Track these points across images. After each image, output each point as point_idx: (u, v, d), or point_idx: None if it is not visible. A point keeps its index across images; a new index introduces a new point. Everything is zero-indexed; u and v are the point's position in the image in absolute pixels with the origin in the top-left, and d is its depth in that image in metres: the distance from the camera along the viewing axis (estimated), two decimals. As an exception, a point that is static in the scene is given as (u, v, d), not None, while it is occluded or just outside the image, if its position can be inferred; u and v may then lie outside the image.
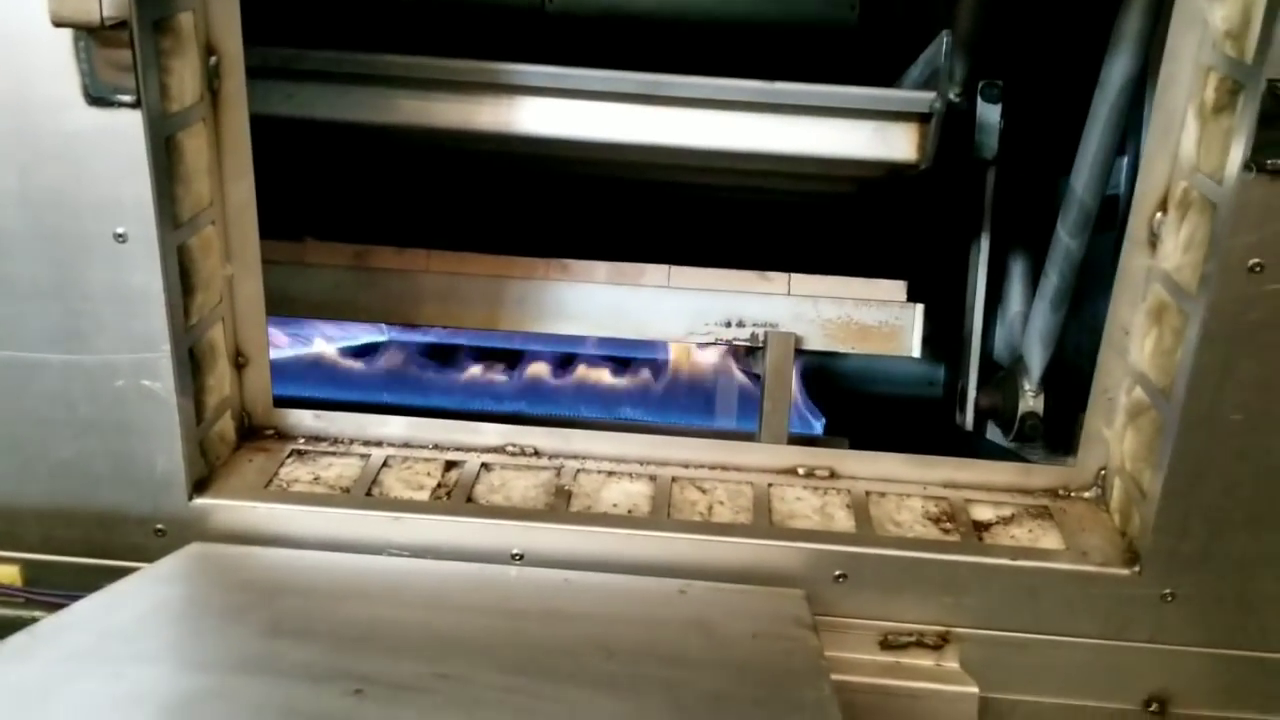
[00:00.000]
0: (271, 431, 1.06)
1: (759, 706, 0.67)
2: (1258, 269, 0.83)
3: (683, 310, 1.34)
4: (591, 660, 0.72)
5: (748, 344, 1.36)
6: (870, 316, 1.34)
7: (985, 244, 1.35)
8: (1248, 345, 0.85)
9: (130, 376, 0.91)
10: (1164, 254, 0.93)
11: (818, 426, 1.48)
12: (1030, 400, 1.25)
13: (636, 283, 1.35)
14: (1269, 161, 0.79)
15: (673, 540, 0.95)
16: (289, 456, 1.03)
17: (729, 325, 1.34)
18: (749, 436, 1.30)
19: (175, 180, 0.90)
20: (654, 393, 1.57)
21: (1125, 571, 0.94)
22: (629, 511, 0.98)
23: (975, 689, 0.92)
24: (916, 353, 1.35)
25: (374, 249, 1.35)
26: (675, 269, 1.36)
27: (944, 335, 1.49)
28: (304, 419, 1.07)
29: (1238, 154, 0.80)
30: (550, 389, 1.55)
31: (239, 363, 1.03)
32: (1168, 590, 0.93)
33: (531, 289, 1.34)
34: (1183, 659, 0.95)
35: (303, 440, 1.06)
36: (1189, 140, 0.89)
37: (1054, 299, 1.19)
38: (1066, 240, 1.15)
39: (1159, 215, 0.94)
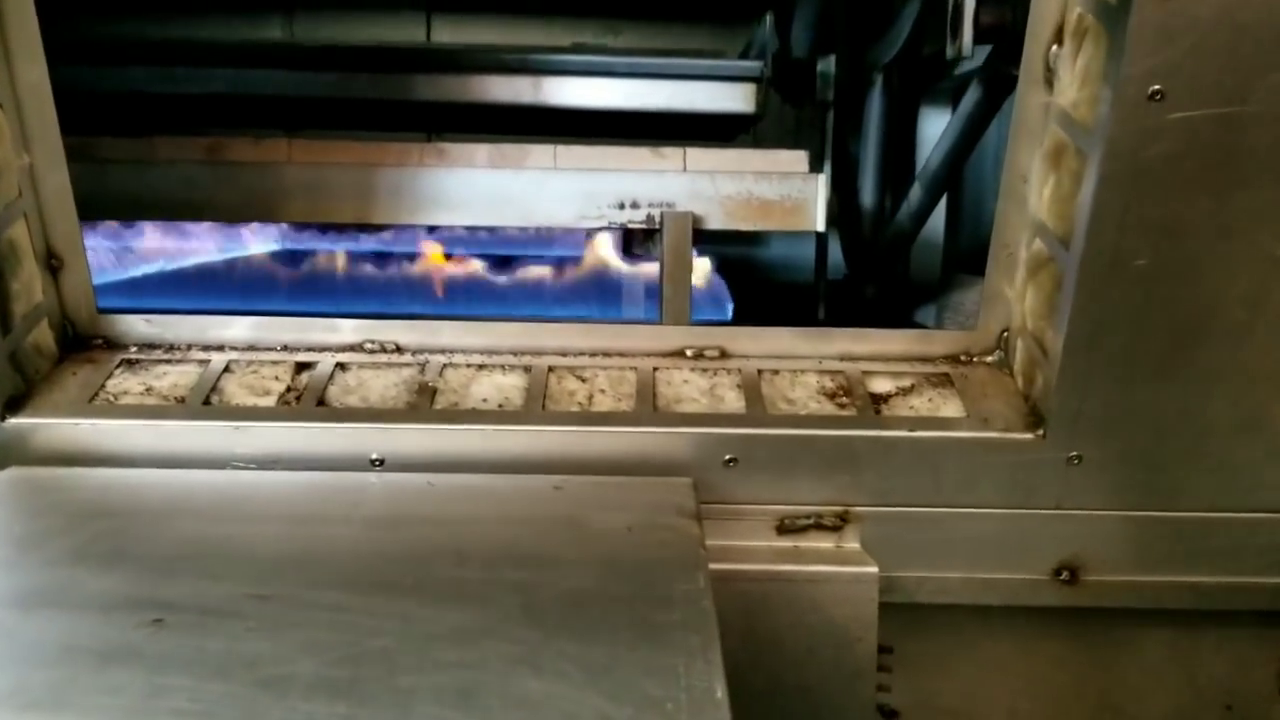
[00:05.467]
0: (99, 341, 0.95)
1: (623, 604, 0.60)
2: (1158, 97, 0.75)
3: (572, 193, 1.25)
4: (440, 568, 0.64)
5: (644, 226, 1.27)
6: (771, 191, 1.27)
7: None
8: (1150, 183, 0.78)
9: (-88, 284, 0.80)
10: (1060, 90, 0.85)
11: (728, 312, 1.41)
12: None
13: (520, 165, 1.26)
14: (1168, -27, 0.71)
15: (548, 434, 0.87)
16: (118, 367, 0.93)
17: (622, 207, 1.25)
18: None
19: (-58, 55, 0.78)
20: (555, 287, 1.48)
21: (1029, 436, 0.88)
22: (500, 406, 0.90)
23: (875, 569, 0.86)
24: (820, 227, 1.29)
25: (229, 141, 1.24)
26: (562, 148, 1.26)
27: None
28: (135, 325, 0.96)
29: (1135, -33, 0.72)
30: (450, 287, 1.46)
31: (52, 265, 0.91)
32: (1074, 453, 0.88)
33: (406, 177, 1.24)
34: (1092, 524, 0.90)
35: (134, 349, 0.95)
36: (1084, -40, 0.81)
37: None
38: None
39: (1054, 48, 0.86)
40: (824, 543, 0.90)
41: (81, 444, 0.86)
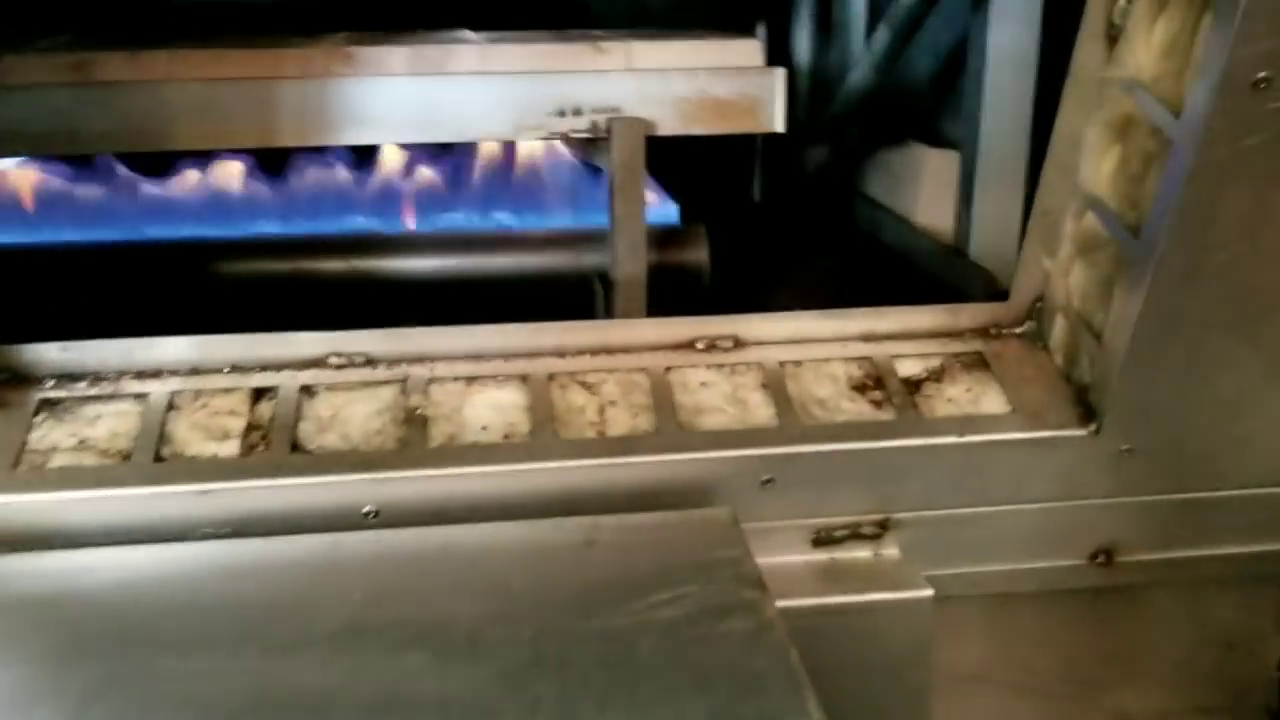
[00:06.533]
0: (7, 375, 0.79)
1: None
2: (1263, 85, 0.66)
3: (505, 100, 1.09)
4: (489, 694, 0.55)
5: (588, 135, 1.12)
6: (727, 89, 1.13)
7: None
8: (1242, 174, 0.70)
9: None
10: (1131, 54, 0.75)
11: (673, 214, 1.29)
12: None
13: (444, 70, 1.09)
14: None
15: (565, 470, 0.77)
16: (39, 411, 0.77)
17: (563, 114, 1.10)
18: (599, 236, 1.10)
19: None
20: (476, 190, 1.33)
21: (1082, 432, 0.82)
22: (505, 436, 0.78)
23: (930, 592, 0.80)
24: (780, 127, 1.16)
25: (99, 56, 1.04)
26: (490, 48, 1.10)
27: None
28: (48, 354, 0.80)
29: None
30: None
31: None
32: (1127, 446, 0.82)
33: (311, 91, 1.07)
34: (1133, 509, 0.86)
35: (51, 383, 0.79)
36: (1181, -89, 0.69)
37: None
38: None
39: (1122, 1, 0.75)
40: (862, 551, 0.83)
41: (8, 524, 0.72)
